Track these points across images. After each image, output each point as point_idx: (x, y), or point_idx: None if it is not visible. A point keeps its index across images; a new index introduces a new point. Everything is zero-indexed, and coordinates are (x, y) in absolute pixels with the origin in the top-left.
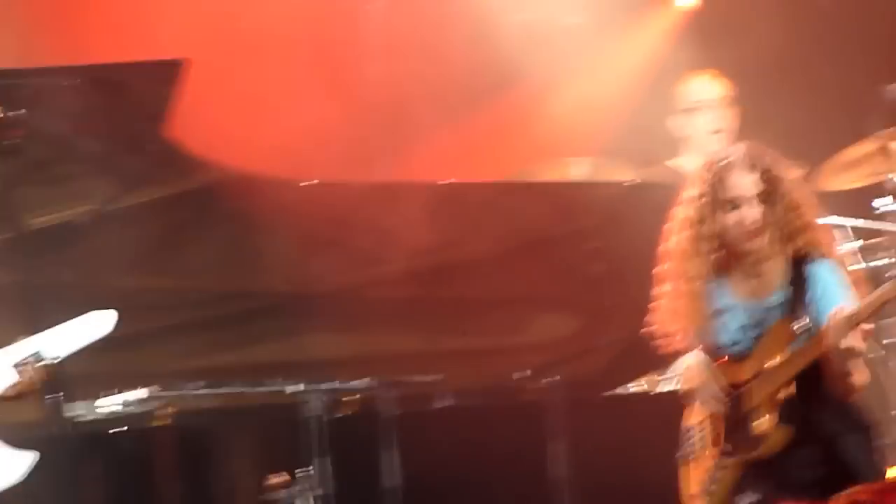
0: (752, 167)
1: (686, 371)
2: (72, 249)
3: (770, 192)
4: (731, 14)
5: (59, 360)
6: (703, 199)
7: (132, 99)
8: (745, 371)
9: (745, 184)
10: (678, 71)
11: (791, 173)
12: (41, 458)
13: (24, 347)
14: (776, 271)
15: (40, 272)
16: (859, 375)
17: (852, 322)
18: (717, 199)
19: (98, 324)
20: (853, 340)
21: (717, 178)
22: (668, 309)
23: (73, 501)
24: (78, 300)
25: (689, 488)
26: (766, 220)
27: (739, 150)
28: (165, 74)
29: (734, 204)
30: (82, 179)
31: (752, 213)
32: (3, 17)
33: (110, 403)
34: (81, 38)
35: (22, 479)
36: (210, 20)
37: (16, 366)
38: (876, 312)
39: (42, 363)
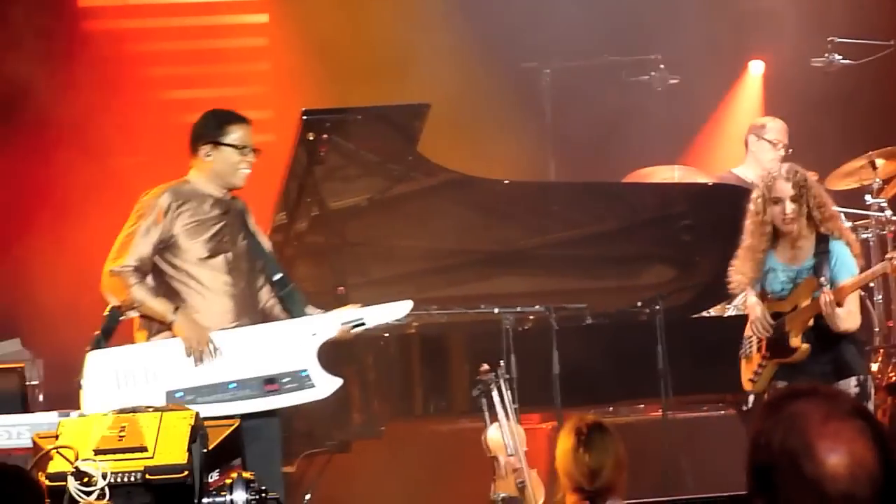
0: (789, 178)
1: (748, 305)
2: (356, 222)
3: (800, 195)
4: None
5: (365, 327)
6: (760, 199)
7: (397, 127)
8: (785, 307)
9: (785, 189)
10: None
11: (816, 182)
12: (334, 348)
13: (353, 313)
14: (808, 246)
15: (338, 237)
16: (845, 321)
17: (842, 294)
18: (767, 198)
19: (400, 310)
20: (837, 309)
21: (768, 185)
22: (741, 266)
23: (355, 378)
24: (363, 254)
25: (745, 376)
26: (797, 213)
27: (783, 167)
28: (417, 111)
29: (777, 201)
30: (364, 178)
31: (788, 207)
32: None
33: None
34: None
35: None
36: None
37: (342, 324)
38: (859, 287)
39: (358, 328)
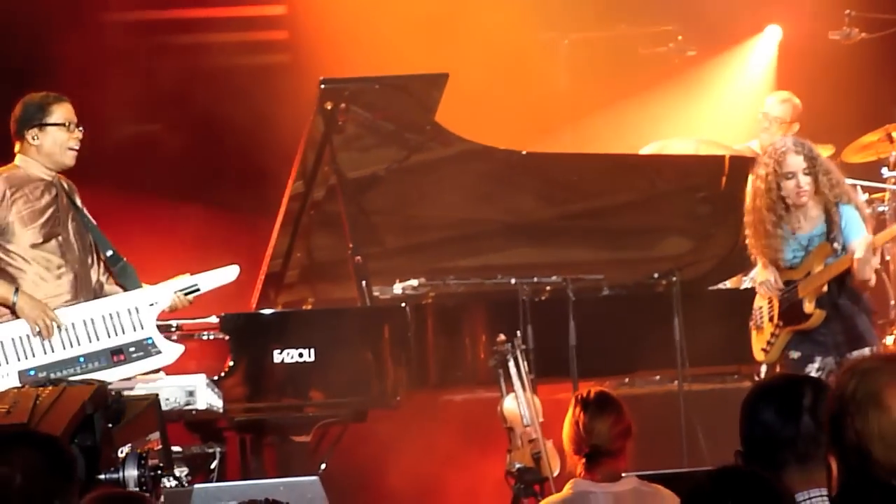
0: (799, 152)
1: (759, 274)
2: (374, 192)
3: (811, 167)
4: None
5: (200, 292)
6: (771, 175)
7: (414, 96)
8: (798, 274)
9: (796, 163)
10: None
11: (822, 152)
12: (351, 318)
13: (187, 280)
14: (817, 213)
15: (355, 206)
16: (870, 270)
17: (872, 246)
18: (779, 173)
19: (230, 274)
20: (870, 257)
21: (778, 160)
22: (753, 241)
23: (370, 348)
24: (380, 224)
25: (757, 346)
26: (811, 185)
27: (789, 140)
28: (436, 81)
29: (790, 176)
30: (381, 148)
31: (802, 181)
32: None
33: (397, 288)
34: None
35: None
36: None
37: (176, 292)
38: (886, 242)
39: (193, 294)
